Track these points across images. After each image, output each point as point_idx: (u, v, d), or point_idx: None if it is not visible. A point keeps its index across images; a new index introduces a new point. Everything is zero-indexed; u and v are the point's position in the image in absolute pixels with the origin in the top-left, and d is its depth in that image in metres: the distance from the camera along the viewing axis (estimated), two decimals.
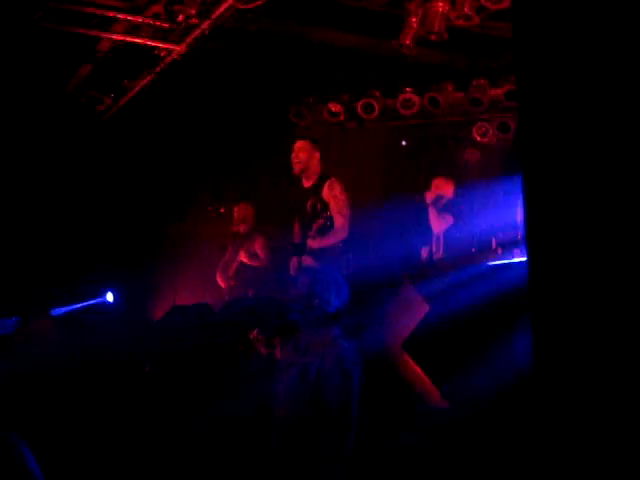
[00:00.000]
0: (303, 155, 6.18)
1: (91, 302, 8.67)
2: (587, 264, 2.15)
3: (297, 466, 3.41)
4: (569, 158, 2.47)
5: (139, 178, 9.00)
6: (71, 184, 8.28)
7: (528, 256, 2.23)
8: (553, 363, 2.19)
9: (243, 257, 7.36)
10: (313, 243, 5.86)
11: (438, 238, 7.08)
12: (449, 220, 7.12)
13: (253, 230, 7.50)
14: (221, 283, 7.47)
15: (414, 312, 4.06)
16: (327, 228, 5.94)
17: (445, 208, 7.19)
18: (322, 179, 6.15)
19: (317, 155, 6.23)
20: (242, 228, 7.39)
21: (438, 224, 7.09)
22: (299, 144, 6.27)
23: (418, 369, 3.72)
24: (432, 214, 7.14)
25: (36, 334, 6.00)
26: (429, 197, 7.31)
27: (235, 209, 7.56)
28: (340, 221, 5.98)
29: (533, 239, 2.52)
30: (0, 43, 7.58)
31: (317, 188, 6.14)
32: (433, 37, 7.76)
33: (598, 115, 2.44)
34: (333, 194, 6.07)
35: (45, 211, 8.58)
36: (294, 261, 5.93)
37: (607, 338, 1.98)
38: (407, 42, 7.89)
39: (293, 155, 6.22)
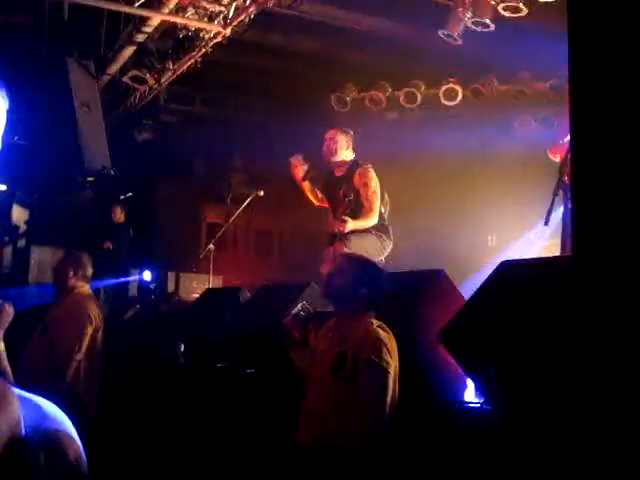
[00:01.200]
0: (333, 144, 6.18)
1: (129, 278, 8.79)
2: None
3: (326, 455, 3.41)
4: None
5: (180, 162, 9.06)
6: (117, 163, 8.34)
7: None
8: None
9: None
10: (342, 228, 5.85)
11: None
12: None
13: None
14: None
15: (450, 303, 4.04)
16: (355, 212, 5.93)
17: None
18: (354, 167, 6.13)
19: (348, 144, 6.21)
20: None
21: None
22: (330, 133, 6.26)
23: (452, 360, 3.70)
24: None
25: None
26: None
27: None
28: (369, 207, 5.97)
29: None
30: (46, 22, 7.66)
31: (348, 176, 6.12)
32: (480, 28, 7.71)
33: None
34: (363, 181, 6.04)
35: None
36: (329, 250, 5.92)
37: None
38: (454, 32, 7.85)
39: (324, 145, 6.22)
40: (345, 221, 5.73)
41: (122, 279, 8.61)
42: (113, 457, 4.61)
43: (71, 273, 5.04)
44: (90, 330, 4.85)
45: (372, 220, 5.94)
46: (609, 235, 2.62)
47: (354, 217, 5.82)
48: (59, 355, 4.77)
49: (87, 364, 4.83)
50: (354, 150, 6.22)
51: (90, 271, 5.17)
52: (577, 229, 2.81)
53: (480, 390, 3.54)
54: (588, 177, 2.73)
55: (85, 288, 5.10)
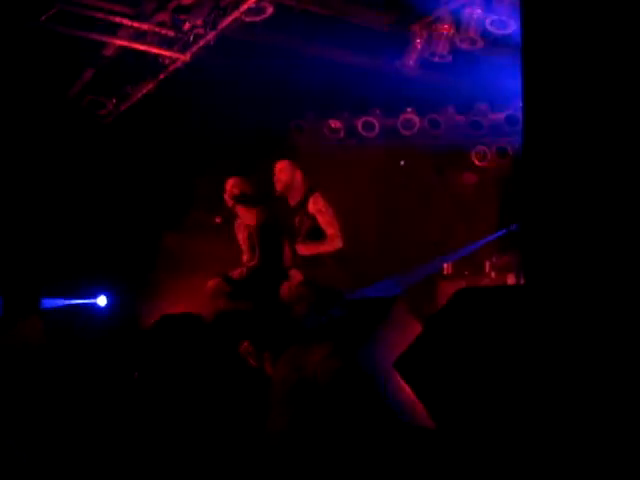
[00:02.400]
0: (283, 176, 6.24)
1: (82, 301, 8.64)
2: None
3: None
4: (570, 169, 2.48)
5: (138, 183, 8.99)
6: (73, 186, 8.27)
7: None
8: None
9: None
10: (304, 249, 5.86)
11: None
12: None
13: None
14: None
15: (406, 331, 4.05)
16: (316, 234, 5.96)
17: None
18: (307, 195, 6.17)
19: (299, 174, 6.26)
20: None
21: None
22: (279, 165, 6.32)
23: (408, 388, 3.71)
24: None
25: (23, 330, 5.94)
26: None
27: None
28: (331, 230, 6.00)
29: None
30: (4, 44, 7.58)
31: (302, 204, 6.16)
32: (437, 59, 7.83)
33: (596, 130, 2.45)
34: (318, 208, 6.09)
35: (47, 211, 8.57)
36: (285, 284, 5.91)
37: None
38: (411, 63, 7.95)
39: (274, 176, 6.27)
40: (308, 243, 5.75)
41: (76, 301, 8.48)
42: None
43: None
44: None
45: (336, 244, 5.97)
46: (557, 263, 2.66)
47: (315, 238, 5.86)
48: None
49: None
50: (305, 178, 6.27)
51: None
52: (526, 258, 2.85)
53: (435, 419, 3.55)
54: (537, 204, 2.77)
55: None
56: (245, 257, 6.82)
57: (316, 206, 6.05)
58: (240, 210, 6.82)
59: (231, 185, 6.85)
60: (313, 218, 5.98)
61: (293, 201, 6.22)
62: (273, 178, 6.27)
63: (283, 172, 6.22)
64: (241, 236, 6.91)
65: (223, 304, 6.49)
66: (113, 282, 8.47)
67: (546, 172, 2.71)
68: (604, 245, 2.43)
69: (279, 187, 6.21)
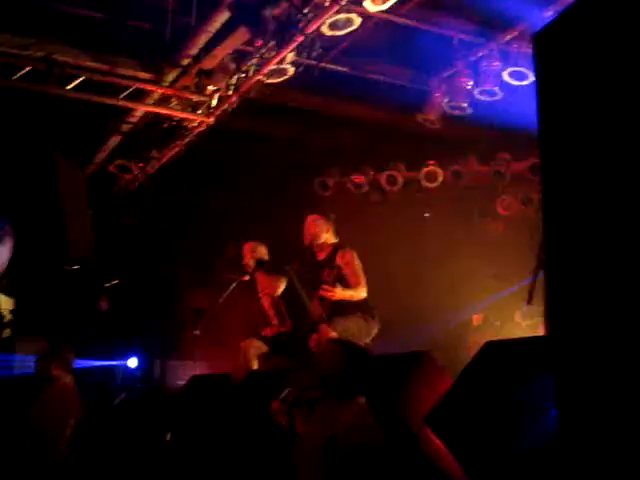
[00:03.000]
0: (313, 229, 6.28)
1: (113, 363, 8.68)
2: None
3: None
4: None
5: (167, 244, 9.09)
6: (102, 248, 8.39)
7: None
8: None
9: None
10: (330, 294, 5.87)
11: None
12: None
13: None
14: None
15: (436, 385, 4.03)
16: (342, 284, 5.97)
17: None
18: (336, 250, 6.21)
19: (329, 228, 6.30)
20: None
21: None
22: (310, 217, 6.37)
23: (440, 444, 3.67)
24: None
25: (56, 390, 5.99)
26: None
27: None
28: (356, 280, 6.02)
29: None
30: (31, 113, 7.77)
31: (331, 259, 6.19)
32: (457, 111, 7.90)
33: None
34: (346, 261, 6.12)
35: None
36: (314, 337, 5.92)
37: None
38: (431, 116, 8.03)
39: (304, 229, 6.32)
40: (334, 287, 5.76)
41: (107, 363, 8.52)
42: None
43: (53, 365, 5.02)
44: (73, 422, 4.81)
45: (361, 292, 5.98)
46: (580, 313, 2.64)
47: (342, 284, 5.87)
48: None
49: None
50: (335, 234, 6.30)
51: (72, 362, 5.16)
52: (550, 307, 2.84)
53: (468, 473, 3.50)
54: (559, 254, 2.77)
55: (68, 379, 5.08)
56: (274, 321, 6.83)
57: (344, 259, 6.09)
58: (259, 277, 6.85)
59: (248, 250, 6.90)
60: (340, 270, 6.02)
61: (322, 255, 6.26)
62: (304, 231, 6.32)
63: (314, 224, 6.27)
64: (266, 304, 6.92)
65: (257, 363, 6.49)
66: (143, 343, 8.51)
67: (568, 220, 2.71)
68: (629, 293, 2.42)
69: (308, 239, 6.26)
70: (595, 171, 2.59)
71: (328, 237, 6.29)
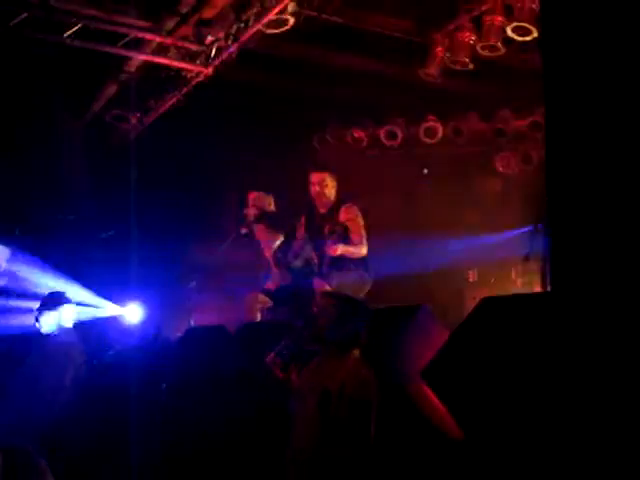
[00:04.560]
0: (322, 187, 6.28)
1: (111, 313, 8.68)
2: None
3: None
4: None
5: (164, 197, 9.04)
6: (101, 199, 8.37)
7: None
8: None
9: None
10: (334, 250, 5.92)
11: None
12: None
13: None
14: None
15: (432, 339, 4.04)
16: (344, 241, 6.01)
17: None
18: (338, 205, 6.23)
19: (334, 184, 6.32)
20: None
21: None
22: (317, 177, 6.35)
23: (435, 398, 3.69)
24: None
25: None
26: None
27: None
28: (358, 239, 6.06)
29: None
30: (27, 60, 7.68)
31: (333, 213, 6.21)
32: (458, 66, 7.82)
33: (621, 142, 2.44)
34: (349, 217, 6.15)
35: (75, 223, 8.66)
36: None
37: None
38: (432, 71, 7.94)
39: (312, 187, 6.31)
40: (336, 244, 5.80)
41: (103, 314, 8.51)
42: None
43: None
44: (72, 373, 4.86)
45: (362, 250, 6.02)
46: (585, 270, 2.64)
47: (345, 242, 5.90)
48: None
49: None
50: (338, 189, 6.32)
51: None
52: (554, 264, 2.83)
53: (463, 427, 3.53)
54: (563, 211, 2.76)
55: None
56: (274, 271, 6.83)
57: (348, 215, 6.12)
58: (259, 229, 6.85)
59: (252, 200, 6.89)
60: (344, 226, 6.05)
61: (324, 209, 6.28)
62: (308, 187, 6.32)
63: (322, 184, 6.28)
64: (267, 253, 6.92)
65: (261, 316, 6.52)
66: (143, 293, 8.50)
67: (571, 178, 2.70)
68: (632, 250, 2.41)
69: (318, 198, 6.28)
70: (598, 128, 2.56)
71: (331, 192, 6.30)
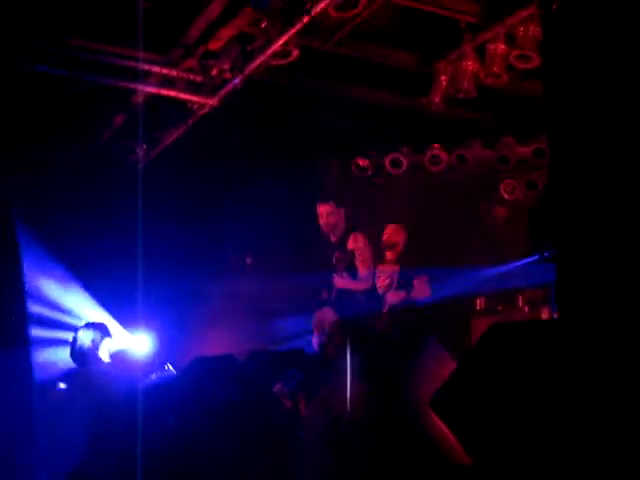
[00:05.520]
0: (330, 219, 6.36)
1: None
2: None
3: None
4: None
5: (170, 228, 9.07)
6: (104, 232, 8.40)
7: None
8: None
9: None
10: (340, 283, 5.98)
11: None
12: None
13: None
14: None
15: (440, 369, 4.03)
16: (351, 270, 6.07)
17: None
18: (347, 232, 6.28)
19: (341, 213, 6.40)
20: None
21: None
22: (323, 208, 6.43)
23: (444, 427, 3.68)
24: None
25: None
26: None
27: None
28: (364, 271, 6.11)
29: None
30: (37, 91, 7.75)
31: (343, 241, 6.27)
32: (462, 95, 7.86)
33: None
34: (357, 246, 6.21)
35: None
36: (317, 314, 5.98)
37: None
38: (436, 100, 7.99)
39: (320, 219, 6.39)
40: (345, 277, 5.85)
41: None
42: None
43: None
44: None
45: (366, 283, 6.04)
46: (591, 297, 2.65)
47: (351, 275, 5.95)
48: None
49: None
50: (346, 217, 6.38)
51: None
52: (559, 291, 2.84)
53: (471, 455, 3.51)
54: (568, 238, 2.76)
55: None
56: None
57: (356, 244, 6.18)
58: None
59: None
60: (352, 255, 6.11)
61: (334, 238, 6.35)
62: (319, 221, 6.40)
63: (328, 215, 6.35)
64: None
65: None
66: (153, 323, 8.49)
67: (574, 204, 2.71)
68: (638, 277, 2.42)
69: (325, 228, 6.36)
70: (600, 154, 2.58)
71: (341, 221, 6.38)
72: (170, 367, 7.94)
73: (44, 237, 8.56)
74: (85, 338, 6.15)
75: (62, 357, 6.55)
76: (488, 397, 3.33)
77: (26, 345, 6.19)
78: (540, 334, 3.29)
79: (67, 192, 8.83)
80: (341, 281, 6.00)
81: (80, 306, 8.52)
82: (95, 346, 6.08)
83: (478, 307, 8.66)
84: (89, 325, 6.37)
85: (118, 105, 8.45)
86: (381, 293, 6.20)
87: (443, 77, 7.86)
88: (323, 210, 6.40)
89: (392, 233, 6.65)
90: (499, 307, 8.45)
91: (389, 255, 6.38)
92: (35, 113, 8.05)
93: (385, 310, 6.05)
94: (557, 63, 3.04)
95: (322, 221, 6.40)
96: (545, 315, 7.15)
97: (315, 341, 5.79)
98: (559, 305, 2.61)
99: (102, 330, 6.18)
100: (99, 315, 8.35)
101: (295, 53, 7.04)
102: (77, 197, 8.77)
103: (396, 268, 6.42)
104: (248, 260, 6.97)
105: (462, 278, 8.48)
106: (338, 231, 6.37)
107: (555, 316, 4.55)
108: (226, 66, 7.46)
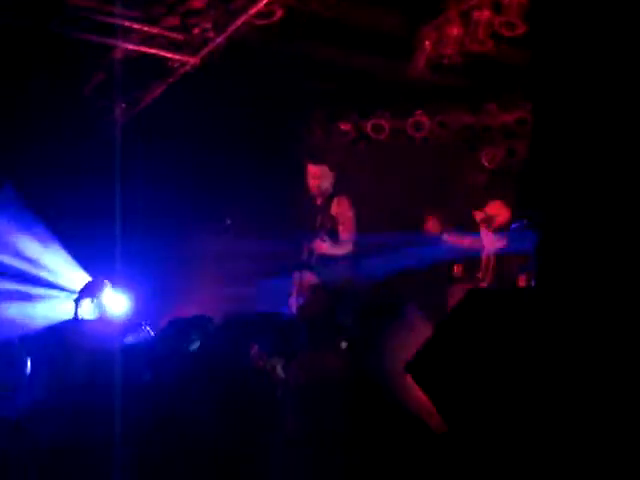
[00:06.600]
0: (316, 181, 6.32)
1: None
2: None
3: None
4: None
5: (148, 188, 9.01)
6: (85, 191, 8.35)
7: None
8: None
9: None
10: (321, 248, 5.98)
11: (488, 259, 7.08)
12: (502, 242, 7.08)
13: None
14: None
15: (418, 334, 4.04)
16: (333, 235, 6.07)
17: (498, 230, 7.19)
18: (332, 196, 6.26)
19: (331, 177, 6.36)
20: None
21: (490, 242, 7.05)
22: (312, 169, 6.39)
23: (420, 392, 3.70)
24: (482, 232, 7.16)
25: None
26: (479, 216, 7.30)
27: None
28: (346, 236, 6.10)
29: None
30: (16, 48, 7.63)
31: (327, 205, 6.25)
32: (446, 61, 7.83)
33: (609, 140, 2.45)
34: (340, 210, 6.19)
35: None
36: (297, 276, 5.99)
37: None
38: (420, 65, 7.95)
39: (309, 181, 6.35)
40: (327, 242, 5.84)
41: None
42: None
43: None
44: None
45: (347, 248, 6.05)
46: (570, 265, 2.65)
47: (334, 240, 5.94)
48: None
49: None
50: (333, 181, 6.36)
51: None
52: (539, 258, 2.84)
53: (447, 421, 3.54)
54: (550, 206, 2.76)
55: None
56: None
57: (339, 208, 6.16)
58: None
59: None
60: (334, 220, 6.10)
61: (320, 200, 6.32)
62: (308, 181, 6.35)
63: (316, 177, 6.32)
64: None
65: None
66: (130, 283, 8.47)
67: (557, 171, 2.70)
68: (617, 246, 2.42)
69: (314, 190, 6.32)
70: (586, 121, 2.57)
71: (328, 185, 6.35)
72: (147, 328, 7.94)
73: (22, 194, 8.51)
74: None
75: (38, 312, 6.55)
76: (465, 363, 3.34)
77: None
78: (518, 301, 3.31)
79: (46, 149, 8.74)
80: (322, 245, 5.99)
81: (57, 263, 8.48)
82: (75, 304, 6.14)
83: (456, 272, 8.70)
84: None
85: (98, 62, 8.33)
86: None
87: (427, 42, 7.82)
88: (314, 171, 6.35)
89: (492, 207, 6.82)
90: (477, 274, 8.49)
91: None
92: (14, 69, 7.94)
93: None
94: (544, 31, 3.02)
95: (311, 182, 6.35)
96: (522, 283, 7.19)
97: (293, 304, 5.83)
98: (538, 273, 2.61)
99: (87, 289, 6.21)
100: (76, 274, 8.32)
101: (279, 13, 6.97)
102: (56, 154, 8.68)
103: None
104: (228, 221, 6.94)
105: (441, 244, 8.53)
106: (325, 194, 6.34)
107: (532, 284, 4.60)
108: (208, 25, 7.37)
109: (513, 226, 6.86)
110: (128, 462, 5.25)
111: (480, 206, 7.21)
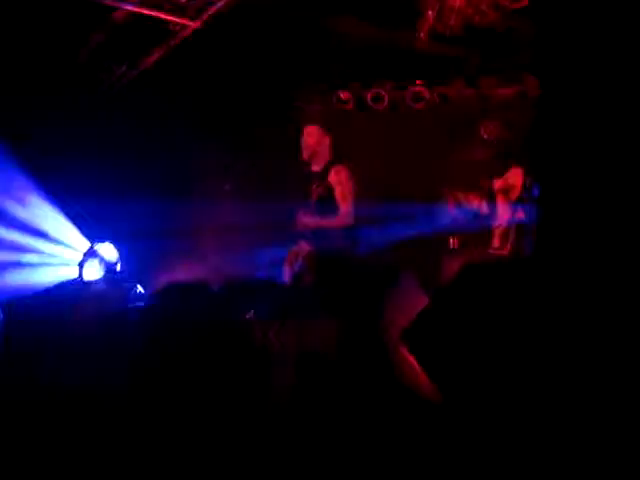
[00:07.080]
0: (311, 140, 6.22)
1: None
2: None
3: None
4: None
5: (145, 150, 8.98)
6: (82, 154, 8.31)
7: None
8: None
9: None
10: (309, 221, 5.91)
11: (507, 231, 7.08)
12: (519, 213, 7.06)
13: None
14: None
15: (413, 302, 4.07)
16: (330, 205, 6.00)
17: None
18: (330, 164, 6.19)
19: (327, 141, 6.27)
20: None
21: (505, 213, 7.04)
22: (308, 129, 6.30)
23: (414, 361, 3.73)
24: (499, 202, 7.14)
25: None
26: (498, 184, 7.28)
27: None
28: (344, 207, 6.03)
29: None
30: (13, 7, 7.56)
31: (324, 173, 6.18)
32: (448, 32, 7.78)
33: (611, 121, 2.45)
34: (339, 179, 6.12)
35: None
36: (292, 246, 5.97)
37: None
38: (421, 35, 7.91)
39: (302, 140, 6.26)
40: (315, 216, 5.80)
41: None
42: None
43: None
44: None
45: (347, 220, 6.00)
46: (568, 237, 2.67)
47: (327, 214, 5.89)
48: None
49: None
50: (331, 149, 6.27)
51: None
52: (539, 229, 2.86)
53: (441, 391, 3.57)
54: (551, 183, 2.77)
55: None
56: None
57: (337, 177, 6.08)
58: None
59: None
60: (330, 189, 6.02)
61: (317, 167, 6.24)
62: (301, 142, 6.25)
63: (311, 136, 6.22)
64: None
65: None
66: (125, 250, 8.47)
67: (561, 145, 2.70)
68: (617, 221, 2.44)
69: (305, 152, 6.21)
70: (589, 98, 2.57)
71: (325, 149, 6.26)
72: (140, 288, 7.96)
73: (16, 155, 8.47)
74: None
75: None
76: (461, 333, 3.37)
77: None
78: (515, 273, 3.33)
79: (41, 110, 8.69)
80: (309, 220, 5.93)
81: (51, 225, 8.47)
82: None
83: (452, 245, 8.72)
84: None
85: (97, 24, 8.25)
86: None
87: (430, 12, 7.77)
88: (306, 131, 6.27)
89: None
90: (473, 246, 8.51)
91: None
92: (11, 29, 7.86)
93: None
94: (549, 4, 3.01)
95: (303, 143, 6.27)
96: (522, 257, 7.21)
97: (288, 272, 5.81)
98: (537, 245, 2.63)
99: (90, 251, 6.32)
100: (70, 232, 8.31)
101: None
102: (53, 115, 8.63)
103: None
104: (227, 187, 6.92)
105: (440, 215, 8.54)
106: (320, 160, 6.25)
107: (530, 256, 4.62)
108: None
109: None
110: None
111: (498, 174, 7.12)
